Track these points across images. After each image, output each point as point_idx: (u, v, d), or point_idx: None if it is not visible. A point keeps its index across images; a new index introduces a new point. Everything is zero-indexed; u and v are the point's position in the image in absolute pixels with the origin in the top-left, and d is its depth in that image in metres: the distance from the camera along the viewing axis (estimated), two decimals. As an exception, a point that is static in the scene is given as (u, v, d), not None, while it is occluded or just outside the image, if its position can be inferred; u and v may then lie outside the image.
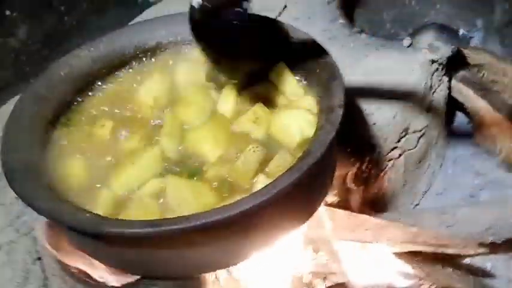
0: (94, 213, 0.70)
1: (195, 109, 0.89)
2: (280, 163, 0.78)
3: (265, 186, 0.69)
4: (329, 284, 1.15)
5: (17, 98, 1.23)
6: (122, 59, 0.99)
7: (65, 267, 0.86)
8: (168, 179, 0.78)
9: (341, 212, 1.07)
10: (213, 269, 0.82)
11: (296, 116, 0.85)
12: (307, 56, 0.90)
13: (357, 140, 1.07)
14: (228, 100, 0.89)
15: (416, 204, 1.32)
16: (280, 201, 0.70)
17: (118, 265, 0.78)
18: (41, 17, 1.48)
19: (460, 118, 1.47)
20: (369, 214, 1.09)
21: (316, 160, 0.71)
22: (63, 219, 0.69)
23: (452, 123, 1.46)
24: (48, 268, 0.89)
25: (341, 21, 1.41)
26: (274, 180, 0.69)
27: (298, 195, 0.76)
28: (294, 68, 0.91)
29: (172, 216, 0.67)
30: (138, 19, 1.46)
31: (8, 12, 1.37)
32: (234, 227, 0.70)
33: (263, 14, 1.32)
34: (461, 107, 1.41)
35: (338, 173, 1.03)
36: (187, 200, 0.75)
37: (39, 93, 0.91)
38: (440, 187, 1.36)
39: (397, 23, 1.62)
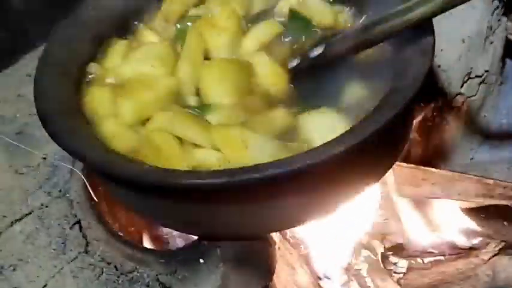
0: (155, 166, 0.59)
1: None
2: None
3: (351, 130, 0.58)
4: (388, 245, 1.06)
5: (23, 58, 1.18)
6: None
7: (110, 230, 0.76)
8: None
9: (404, 166, 0.97)
10: (282, 227, 0.72)
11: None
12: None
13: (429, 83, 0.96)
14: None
15: (471, 158, 1.21)
16: (366, 149, 0.58)
17: (177, 224, 0.68)
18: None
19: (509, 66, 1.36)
20: (432, 167, 0.99)
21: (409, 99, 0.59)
22: (125, 174, 0.58)
23: (504, 71, 1.34)
24: (90, 232, 0.79)
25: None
26: (359, 126, 0.58)
27: (381, 144, 0.65)
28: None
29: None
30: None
31: (9, -29, 1.27)
32: (314, 177, 0.59)
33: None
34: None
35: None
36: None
37: (67, 35, 0.79)
38: (496, 139, 1.25)
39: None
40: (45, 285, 0.75)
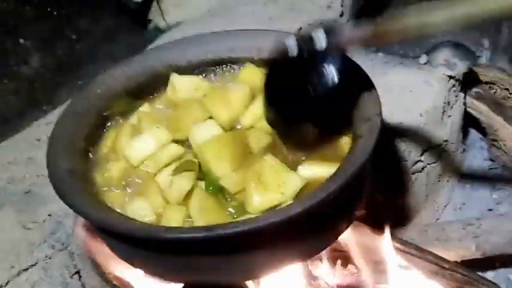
0: (144, 223, 0.71)
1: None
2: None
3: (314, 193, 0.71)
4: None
5: (33, 124, 1.30)
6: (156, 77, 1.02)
7: (106, 279, 0.87)
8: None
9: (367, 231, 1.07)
10: (257, 276, 0.84)
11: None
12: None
13: (384, 152, 1.10)
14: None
15: (437, 219, 1.33)
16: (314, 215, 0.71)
17: (164, 273, 0.79)
18: (54, 45, 1.51)
19: (473, 135, 1.50)
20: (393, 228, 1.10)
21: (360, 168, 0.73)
22: (115, 228, 0.70)
23: (467, 139, 1.49)
24: (88, 280, 0.90)
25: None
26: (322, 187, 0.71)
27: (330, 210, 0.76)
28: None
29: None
30: (152, 45, 1.44)
31: (21, 41, 1.41)
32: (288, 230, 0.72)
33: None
34: (475, 123, 1.44)
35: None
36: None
37: (77, 110, 0.93)
38: (459, 201, 1.38)
39: (405, 44, 1.66)
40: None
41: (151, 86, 1.00)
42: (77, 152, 0.86)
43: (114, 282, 0.87)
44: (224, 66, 1.02)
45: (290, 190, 0.77)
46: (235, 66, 1.02)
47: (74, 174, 0.81)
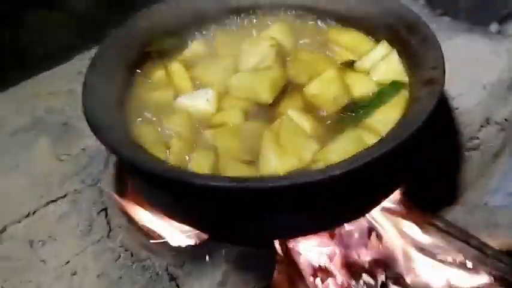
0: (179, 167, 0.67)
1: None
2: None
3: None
4: (390, 275, 1.10)
5: (76, 57, 1.28)
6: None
7: (131, 220, 0.84)
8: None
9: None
10: (285, 236, 0.79)
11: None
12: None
13: (438, 124, 1.01)
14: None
15: (485, 203, 1.24)
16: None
17: (197, 223, 0.76)
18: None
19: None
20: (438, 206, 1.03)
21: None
22: (149, 169, 0.67)
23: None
24: (114, 219, 0.88)
25: (422, 1, 1.34)
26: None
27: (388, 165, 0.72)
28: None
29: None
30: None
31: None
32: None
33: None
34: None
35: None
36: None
37: (121, 41, 0.89)
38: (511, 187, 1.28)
39: (475, 9, 1.53)
40: (67, 262, 0.84)
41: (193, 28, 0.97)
42: (116, 85, 0.83)
43: (140, 224, 0.85)
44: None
45: (307, 156, 0.73)
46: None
47: (109, 110, 0.78)
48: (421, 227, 1.02)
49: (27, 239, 0.88)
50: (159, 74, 0.93)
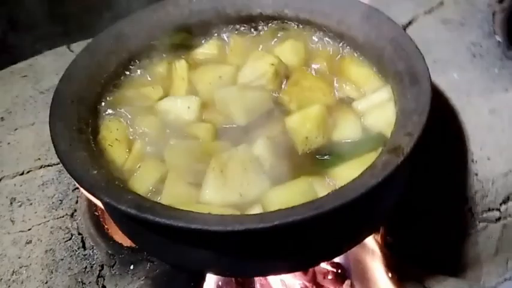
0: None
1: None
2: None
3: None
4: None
5: None
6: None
7: (90, 206, 0.87)
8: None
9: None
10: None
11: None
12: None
13: (451, 185, 0.90)
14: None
15: (506, 279, 1.09)
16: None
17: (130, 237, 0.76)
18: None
19: None
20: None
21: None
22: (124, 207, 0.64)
23: None
24: (81, 203, 0.91)
25: (498, 38, 1.17)
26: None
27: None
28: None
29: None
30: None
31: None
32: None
33: (412, 7, 1.16)
34: None
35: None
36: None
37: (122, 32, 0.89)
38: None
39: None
40: (29, 229, 0.89)
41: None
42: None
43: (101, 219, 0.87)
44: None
45: (251, 194, 0.68)
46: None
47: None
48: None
49: (11, 197, 0.94)
50: (159, 69, 0.92)
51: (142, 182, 0.73)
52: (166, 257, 0.72)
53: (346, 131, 0.78)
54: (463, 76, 1.06)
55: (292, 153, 0.76)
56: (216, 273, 0.75)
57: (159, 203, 0.65)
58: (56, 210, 0.91)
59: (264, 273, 0.79)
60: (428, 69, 0.74)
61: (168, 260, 0.74)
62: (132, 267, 0.77)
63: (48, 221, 0.89)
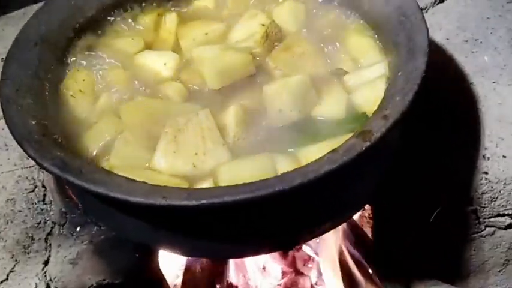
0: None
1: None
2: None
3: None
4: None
5: None
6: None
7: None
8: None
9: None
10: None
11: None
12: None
13: (454, 182, 0.78)
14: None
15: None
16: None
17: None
18: None
19: None
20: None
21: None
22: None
23: None
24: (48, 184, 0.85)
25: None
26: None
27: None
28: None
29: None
30: None
31: None
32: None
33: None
34: None
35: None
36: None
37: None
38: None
39: None
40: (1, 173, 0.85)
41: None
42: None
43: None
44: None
45: (206, 166, 0.61)
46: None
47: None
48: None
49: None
50: (146, 20, 0.84)
51: (94, 139, 0.67)
52: (106, 223, 0.66)
53: (329, 107, 0.68)
54: (494, 60, 0.92)
55: (262, 125, 0.68)
56: (165, 250, 0.69)
57: (90, 164, 0.59)
58: (27, 159, 0.87)
59: (213, 256, 0.72)
60: (429, 44, 0.62)
61: (108, 227, 0.68)
62: (78, 229, 0.73)
63: (17, 169, 0.85)
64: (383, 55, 0.72)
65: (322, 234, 0.67)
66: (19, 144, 0.58)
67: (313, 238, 0.68)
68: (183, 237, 0.61)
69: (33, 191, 0.82)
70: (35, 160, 0.56)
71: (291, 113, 0.67)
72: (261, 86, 0.71)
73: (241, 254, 0.70)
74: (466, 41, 0.96)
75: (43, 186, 0.82)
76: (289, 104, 0.67)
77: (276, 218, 0.59)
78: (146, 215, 0.59)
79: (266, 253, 0.76)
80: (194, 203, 0.50)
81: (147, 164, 0.64)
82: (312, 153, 0.61)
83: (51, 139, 0.61)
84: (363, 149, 0.52)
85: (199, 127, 0.65)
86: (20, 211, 0.79)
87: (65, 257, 0.71)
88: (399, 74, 0.62)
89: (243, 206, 0.52)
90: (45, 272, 0.71)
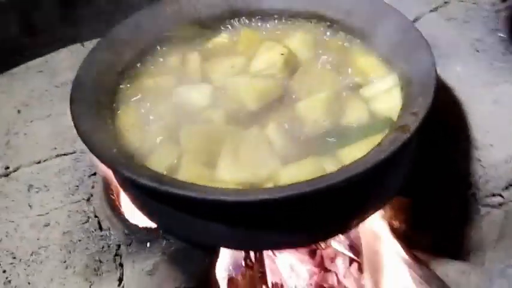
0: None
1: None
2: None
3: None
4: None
5: None
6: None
7: (106, 189, 0.90)
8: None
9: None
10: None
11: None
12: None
13: (454, 171, 0.93)
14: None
15: (508, 266, 1.11)
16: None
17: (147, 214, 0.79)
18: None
19: None
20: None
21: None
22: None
23: None
24: (97, 186, 0.94)
25: (501, 34, 1.20)
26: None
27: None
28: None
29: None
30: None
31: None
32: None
33: (418, 5, 1.20)
34: None
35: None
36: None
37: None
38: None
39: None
40: (47, 213, 0.92)
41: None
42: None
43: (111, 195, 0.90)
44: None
45: (263, 173, 0.71)
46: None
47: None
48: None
49: (28, 184, 0.98)
50: (173, 59, 0.95)
51: (158, 164, 0.76)
52: (181, 233, 0.75)
53: (354, 115, 0.81)
54: (466, 70, 1.09)
55: (301, 136, 0.79)
56: (230, 247, 0.78)
57: (178, 179, 0.68)
58: (73, 195, 0.94)
59: (274, 247, 0.82)
60: (433, 56, 0.77)
61: (183, 236, 0.77)
62: (148, 244, 0.80)
63: (65, 205, 0.92)
64: (389, 70, 0.86)
65: (364, 220, 0.78)
66: (110, 167, 0.67)
67: (358, 224, 0.79)
68: (254, 231, 0.71)
69: (87, 221, 0.89)
70: (128, 180, 0.65)
71: (324, 123, 0.80)
72: (290, 104, 0.84)
73: (310, 240, 0.82)
74: (440, 56, 1.13)
75: (95, 216, 0.89)
76: (322, 115, 0.80)
77: (337, 205, 0.70)
78: (230, 214, 0.68)
79: (322, 240, 0.86)
80: (281, 195, 0.61)
81: (210, 178, 0.74)
82: (352, 152, 0.73)
83: (133, 161, 0.70)
84: (406, 139, 0.65)
85: (252, 142, 0.76)
86: (80, 240, 0.86)
87: (142, 269, 0.78)
88: (414, 82, 0.76)
89: (318, 196, 0.63)
90: (122, 286, 0.78)
